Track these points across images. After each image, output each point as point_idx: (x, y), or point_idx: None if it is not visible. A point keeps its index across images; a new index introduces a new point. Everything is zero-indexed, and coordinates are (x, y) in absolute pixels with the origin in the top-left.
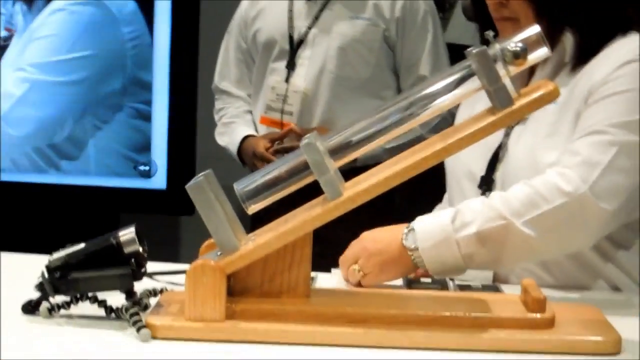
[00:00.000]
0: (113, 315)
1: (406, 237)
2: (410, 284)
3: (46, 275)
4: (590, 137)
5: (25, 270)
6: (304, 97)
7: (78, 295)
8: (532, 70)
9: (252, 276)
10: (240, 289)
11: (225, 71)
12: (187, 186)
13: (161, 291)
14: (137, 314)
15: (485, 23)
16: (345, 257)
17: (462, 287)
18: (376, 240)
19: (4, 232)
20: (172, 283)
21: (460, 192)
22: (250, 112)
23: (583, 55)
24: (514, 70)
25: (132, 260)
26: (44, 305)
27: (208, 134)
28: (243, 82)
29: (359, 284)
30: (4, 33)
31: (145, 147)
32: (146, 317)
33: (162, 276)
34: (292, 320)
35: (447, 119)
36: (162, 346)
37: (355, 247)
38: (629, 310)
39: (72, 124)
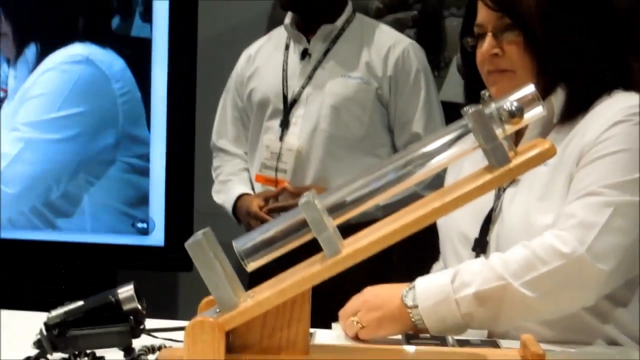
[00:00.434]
0: None
1: (406, 295)
2: (410, 339)
3: (44, 332)
4: (585, 199)
5: (24, 327)
6: (297, 155)
7: (76, 352)
8: (518, 131)
9: (251, 333)
10: (239, 346)
11: (223, 129)
12: (186, 244)
13: (159, 348)
14: None
15: (473, 80)
16: (345, 310)
17: (461, 343)
18: (377, 295)
19: (3, 290)
20: (171, 340)
21: (454, 253)
22: (247, 170)
23: (571, 112)
24: (510, 129)
25: (131, 317)
26: None
27: (206, 191)
28: (240, 140)
29: (357, 337)
30: (1, 94)
31: (140, 201)
32: None
33: (160, 333)
34: None
35: (441, 176)
36: None
37: (356, 301)
38: None
39: (67, 180)
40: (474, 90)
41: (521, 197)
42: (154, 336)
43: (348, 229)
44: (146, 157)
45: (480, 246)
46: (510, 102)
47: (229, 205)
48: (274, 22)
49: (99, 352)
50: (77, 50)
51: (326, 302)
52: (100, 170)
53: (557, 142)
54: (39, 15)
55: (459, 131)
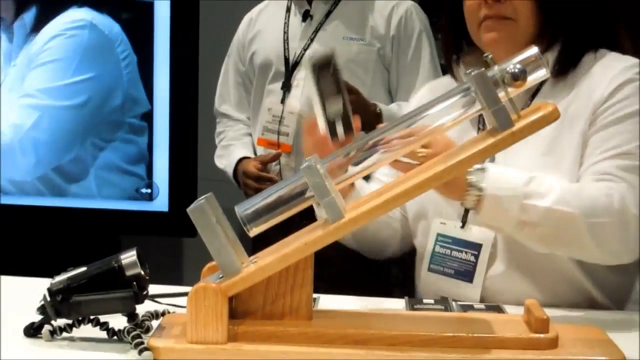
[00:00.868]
0: (115, 337)
1: (473, 173)
2: (413, 304)
3: (48, 298)
4: (618, 160)
5: (27, 293)
6: (299, 118)
7: (80, 318)
8: None
9: (254, 298)
10: (242, 311)
11: (225, 94)
12: (188, 209)
13: (163, 313)
14: (139, 336)
15: (457, 32)
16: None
17: (465, 308)
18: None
19: (6, 256)
20: (174, 305)
21: (436, 213)
22: (250, 134)
23: (565, 68)
24: (513, 92)
25: (134, 283)
26: (46, 328)
27: (210, 157)
28: (242, 105)
29: (402, 167)
30: None
31: (141, 158)
32: (148, 339)
33: (164, 299)
34: (294, 342)
35: None
36: None
37: (440, 140)
38: (632, 329)
39: (78, 146)
40: (455, 44)
41: (522, 152)
42: (157, 302)
43: None
44: (145, 117)
45: None
46: (513, 64)
47: (230, 169)
48: None
49: (102, 318)
50: (79, 15)
51: (329, 268)
52: (109, 133)
53: (554, 99)
54: None
55: (462, 94)
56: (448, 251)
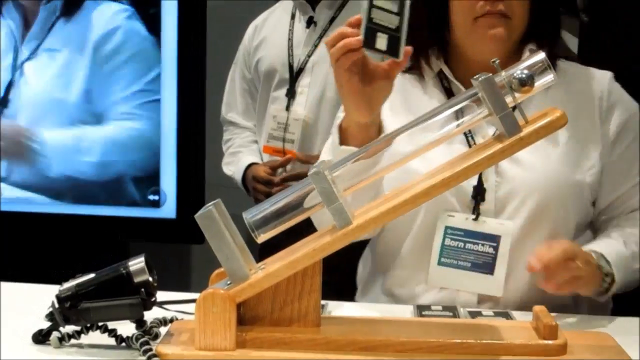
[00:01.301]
0: (123, 344)
1: (599, 262)
2: (422, 310)
3: (56, 305)
4: None
5: (36, 300)
6: (304, 124)
7: (88, 325)
8: None
9: (262, 305)
10: (250, 318)
11: (232, 102)
12: (196, 216)
13: (171, 320)
14: (147, 343)
15: (435, 30)
16: (554, 256)
17: (473, 314)
18: (583, 252)
19: (15, 263)
20: (183, 312)
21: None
22: (257, 142)
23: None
24: (520, 97)
25: (142, 289)
26: (55, 334)
27: (217, 163)
28: (249, 112)
29: (559, 286)
30: None
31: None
32: (156, 346)
33: (172, 305)
34: (302, 348)
35: None
36: None
37: (567, 249)
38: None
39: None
40: (434, 39)
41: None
42: (165, 308)
43: None
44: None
45: (480, 193)
46: (520, 70)
47: (238, 175)
48: None
49: (111, 325)
50: (116, 6)
51: (337, 274)
52: None
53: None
54: None
55: (469, 100)
56: (461, 244)
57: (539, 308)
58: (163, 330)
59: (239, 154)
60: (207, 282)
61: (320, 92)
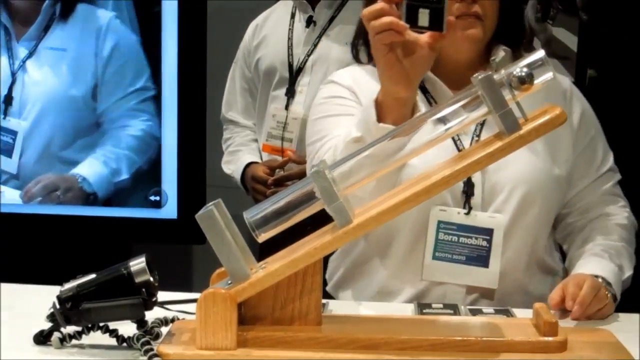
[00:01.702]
0: (124, 344)
1: (607, 288)
2: (422, 308)
3: (57, 305)
4: (615, 179)
5: (37, 301)
6: (303, 123)
7: (89, 325)
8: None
9: (263, 304)
10: (251, 317)
11: (232, 101)
12: (197, 215)
13: (172, 320)
14: (148, 343)
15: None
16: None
17: (474, 312)
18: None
19: (16, 264)
20: (184, 312)
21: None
22: (256, 140)
23: None
24: (519, 95)
25: (143, 289)
26: (56, 335)
27: (218, 164)
28: (249, 111)
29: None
30: None
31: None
32: (158, 346)
33: (173, 305)
34: (303, 347)
35: None
36: None
37: (591, 280)
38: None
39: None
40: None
41: None
42: (167, 308)
43: None
44: None
45: (470, 188)
46: (520, 68)
47: (237, 174)
48: None
49: (112, 325)
50: (103, 13)
51: None
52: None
53: None
54: None
55: (469, 98)
56: (455, 238)
57: (539, 305)
58: (164, 330)
59: (239, 153)
60: (208, 282)
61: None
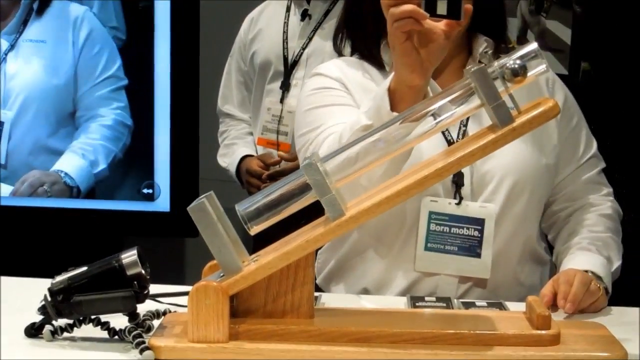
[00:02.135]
0: (116, 337)
1: (598, 282)
2: (415, 301)
3: (49, 298)
4: (599, 167)
5: (28, 293)
6: None
7: (81, 318)
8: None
9: (255, 297)
10: (243, 310)
11: (228, 94)
12: (189, 208)
13: (164, 313)
14: (140, 335)
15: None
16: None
17: (467, 305)
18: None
19: (7, 256)
20: (176, 305)
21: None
22: (252, 134)
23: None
24: (513, 87)
25: (135, 282)
26: (47, 328)
27: (211, 157)
28: (245, 105)
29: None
30: None
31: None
32: (149, 338)
33: (165, 298)
34: (296, 340)
35: None
36: None
37: (581, 275)
38: (634, 325)
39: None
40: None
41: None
42: (158, 301)
43: None
44: None
45: (460, 178)
46: (513, 60)
47: (232, 167)
48: None
49: (103, 318)
50: (77, 7)
51: None
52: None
53: None
54: None
55: (462, 90)
56: (446, 228)
57: (532, 298)
58: (156, 323)
59: (234, 146)
60: (200, 275)
61: None
